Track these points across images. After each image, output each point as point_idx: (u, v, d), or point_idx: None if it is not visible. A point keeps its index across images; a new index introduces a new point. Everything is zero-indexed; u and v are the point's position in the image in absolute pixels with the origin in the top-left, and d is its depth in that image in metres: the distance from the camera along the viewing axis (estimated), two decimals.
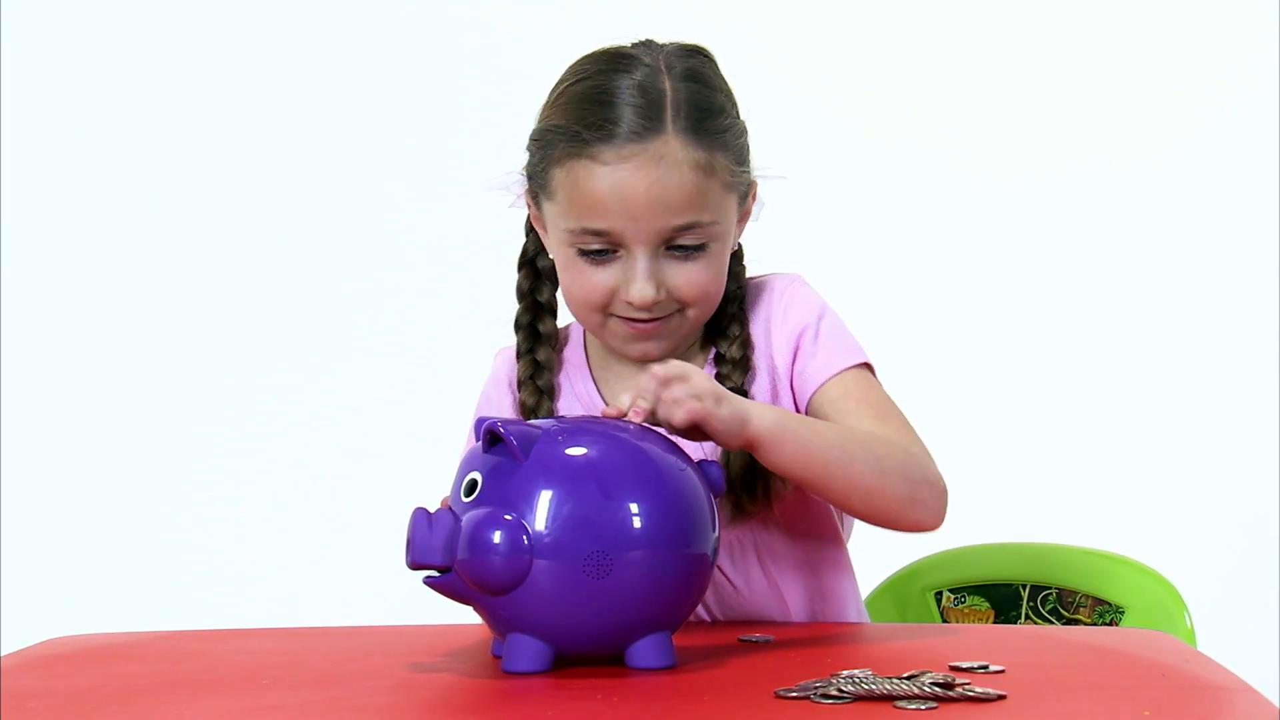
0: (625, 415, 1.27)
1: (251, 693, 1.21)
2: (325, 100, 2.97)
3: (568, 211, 1.44)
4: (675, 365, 1.30)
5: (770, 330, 1.52)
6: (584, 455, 1.22)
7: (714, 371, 1.51)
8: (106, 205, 2.98)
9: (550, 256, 1.53)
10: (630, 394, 1.29)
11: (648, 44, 1.49)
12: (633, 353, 1.49)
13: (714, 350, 1.52)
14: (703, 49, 1.50)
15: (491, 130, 2.88)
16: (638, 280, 1.43)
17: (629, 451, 1.23)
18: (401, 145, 2.95)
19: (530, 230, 1.56)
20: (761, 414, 1.34)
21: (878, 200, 2.86)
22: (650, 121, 1.42)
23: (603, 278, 1.44)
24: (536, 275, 1.56)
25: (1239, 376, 2.84)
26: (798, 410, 1.49)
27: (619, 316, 1.46)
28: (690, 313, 1.47)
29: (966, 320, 2.87)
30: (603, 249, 1.44)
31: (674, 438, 1.28)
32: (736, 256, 1.55)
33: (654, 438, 1.26)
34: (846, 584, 1.56)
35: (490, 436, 1.23)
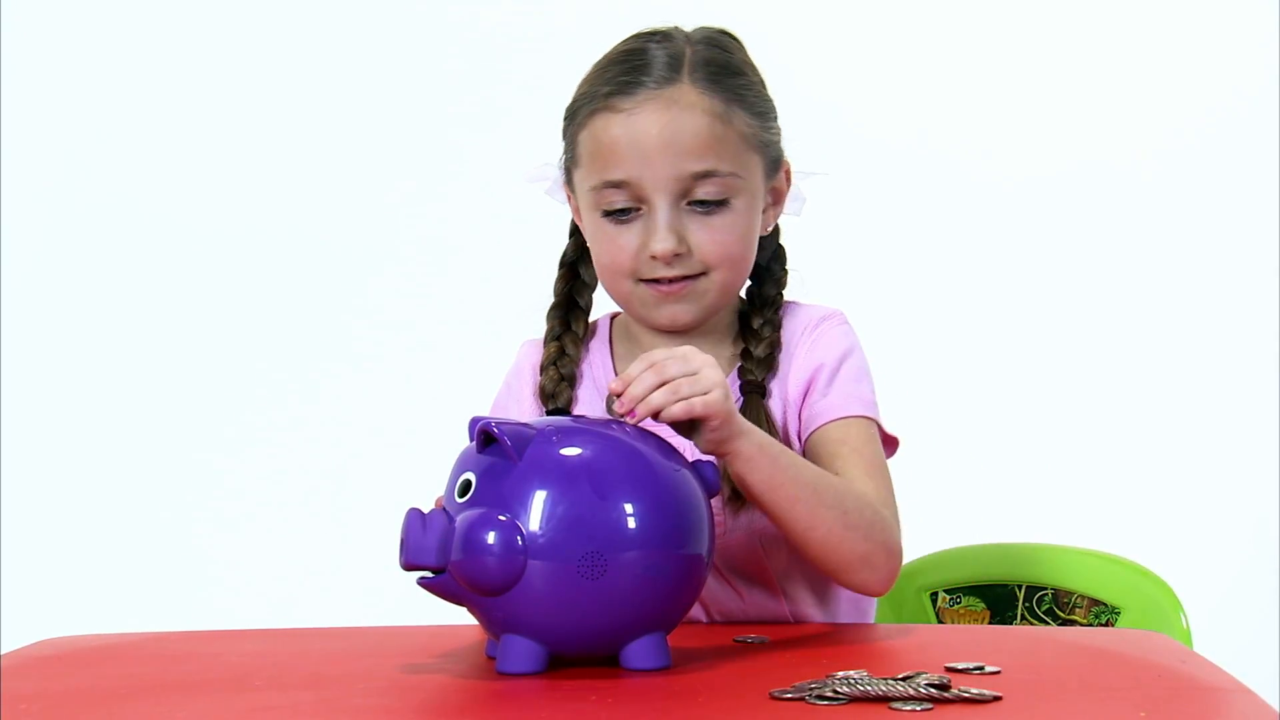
0: (630, 386, 1.26)
1: (244, 694, 1.20)
2: (325, 100, 2.97)
3: (589, 170, 1.47)
4: (693, 352, 1.29)
5: (796, 351, 1.52)
6: (578, 456, 1.21)
7: (739, 368, 1.51)
8: (103, 207, 2.97)
9: (590, 262, 1.54)
10: (641, 363, 1.28)
11: (677, 28, 1.52)
12: (660, 318, 1.49)
13: (743, 348, 1.53)
14: (729, 31, 1.53)
15: (492, 131, 2.90)
16: (659, 230, 1.44)
17: (623, 452, 1.23)
18: (400, 147, 2.95)
19: (573, 232, 1.57)
20: (752, 431, 1.33)
21: (877, 201, 2.86)
22: (667, 73, 1.45)
23: (627, 239, 1.46)
24: (575, 278, 1.57)
25: (1236, 378, 2.84)
26: (797, 443, 1.50)
27: (646, 281, 1.47)
28: (715, 275, 1.47)
29: (963, 321, 2.87)
30: (625, 207, 1.45)
31: (670, 439, 1.28)
32: (779, 258, 1.56)
33: (649, 438, 1.26)
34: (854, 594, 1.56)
35: (484, 437, 1.23)
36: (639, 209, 1.45)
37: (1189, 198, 2.86)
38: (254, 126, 2.96)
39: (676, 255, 1.44)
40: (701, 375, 1.27)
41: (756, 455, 1.32)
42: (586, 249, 1.55)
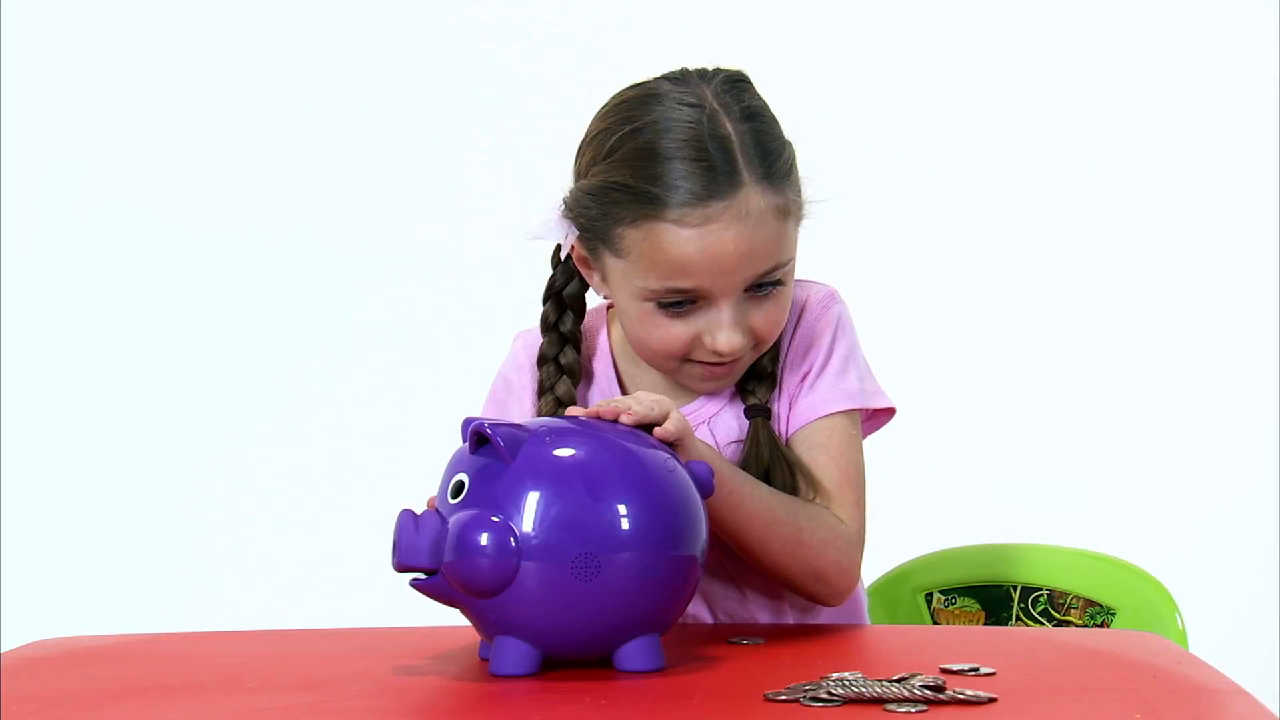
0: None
1: (236, 696, 1.20)
2: (320, 102, 2.97)
3: (648, 272, 1.41)
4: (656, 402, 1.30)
5: (795, 335, 1.52)
6: (572, 456, 1.21)
7: (741, 386, 1.51)
8: (102, 209, 2.97)
9: (577, 285, 1.53)
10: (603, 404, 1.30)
11: (686, 78, 1.45)
12: (704, 389, 1.50)
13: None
14: (743, 75, 1.48)
15: (488, 136, 2.90)
16: (724, 330, 1.42)
17: (617, 453, 1.23)
18: (395, 151, 2.95)
19: (558, 264, 1.54)
20: (710, 455, 1.36)
21: (877, 204, 2.85)
22: (729, 175, 1.39)
23: (683, 329, 1.43)
24: (563, 308, 1.54)
25: (1232, 379, 2.84)
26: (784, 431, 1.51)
27: (696, 361, 1.46)
28: (762, 346, 1.47)
29: (959, 321, 2.87)
30: (683, 300, 1.42)
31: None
32: None
33: (643, 439, 1.26)
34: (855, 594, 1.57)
35: (477, 437, 1.22)
36: (696, 302, 1.43)
37: (1187, 200, 2.86)
38: (249, 130, 2.96)
39: (741, 347, 1.44)
40: (660, 400, 1.30)
41: (718, 478, 1.33)
42: (572, 275, 1.52)
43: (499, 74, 2.91)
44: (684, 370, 1.47)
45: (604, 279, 1.48)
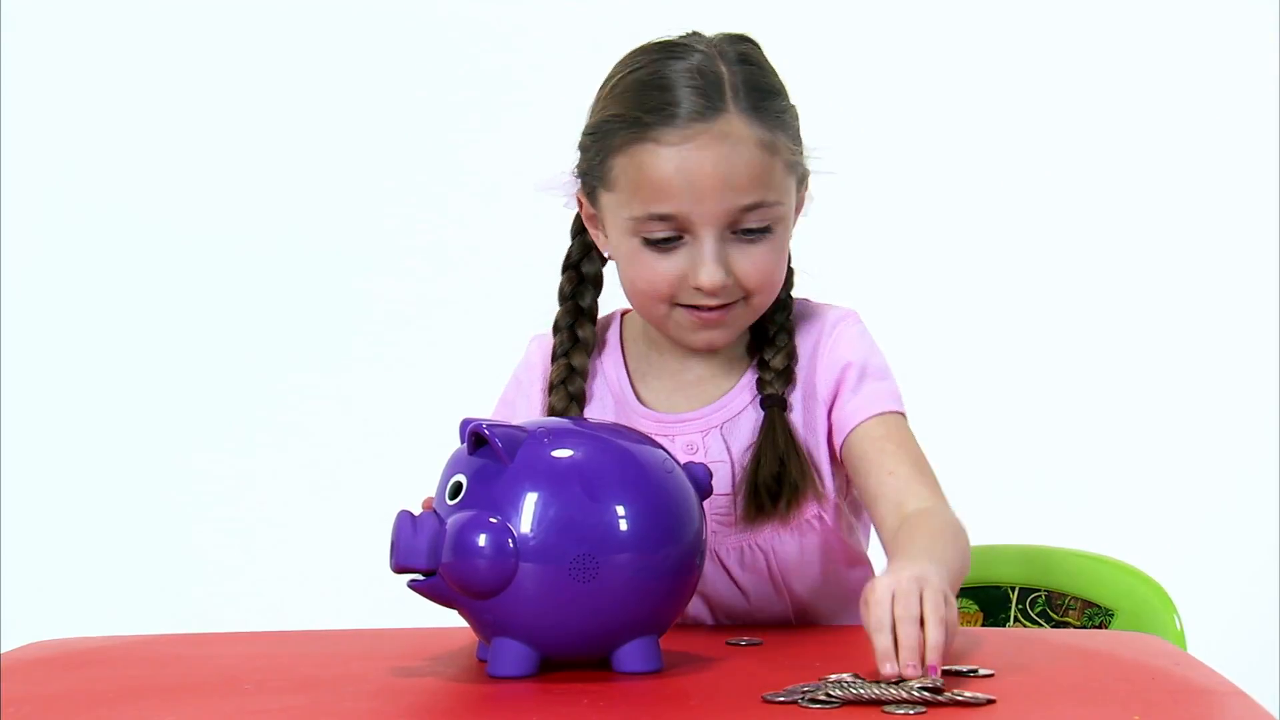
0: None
1: (233, 697, 1.20)
2: (322, 100, 2.97)
3: (632, 198, 1.43)
4: (912, 599, 1.19)
5: (817, 354, 1.52)
6: (569, 457, 1.21)
7: (755, 377, 1.51)
8: (102, 210, 2.97)
9: (595, 261, 1.53)
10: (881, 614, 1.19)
11: (696, 34, 1.48)
12: (697, 342, 1.48)
13: (758, 357, 1.52)
14: (750, 37, 1.50)
15: (494, 132, 2.90)
16: (707, 264, 1.42)
17: (614, 454, 1.23)
18: (399, 149, 2.95)
19: (576, 234, 1.55)
20: (938, 570, 1.26)
21: (876, 201, 2.85)
22: (711, 101, 1.41)
23: (669, 266, 1.43)
24: (580, 280, 1.55)
25: (1231, 380, 2.84)
26: (831, 443, 1.50)
27: (684, 306, 1.45)
28: (754, 300, 1.46)
29: (957, 322, 2.87)
30: (669, 236, 1.43)
31: (684, 440, 1.27)
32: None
33: (641, 439, 1.25)
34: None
35: (475, 438, 1.22)
36: (681, 237, 1.43)
37: (1187, 201, 2.86)
38: (250, 130, 2.96)
39: (724, 286, 1.43)
40: (943, 596, 1.20)
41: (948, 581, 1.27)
42: (589, 249, 1.54)
43: (498, 74, 2.92)
44: (674, 320, 1.46)
45: (603, 228, 1.49)
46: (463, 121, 2.93)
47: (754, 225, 1.43)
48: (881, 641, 1.16)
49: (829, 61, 2.85)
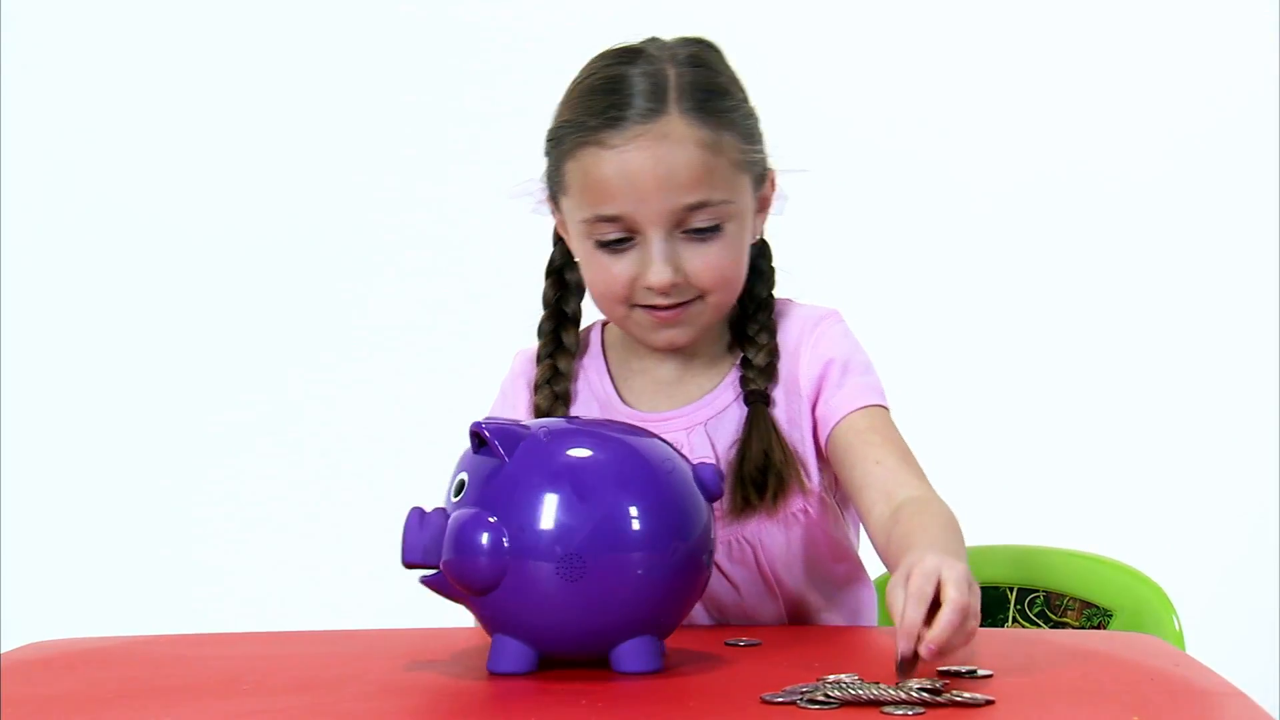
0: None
1: (233, 698, 1.20)
2: (322, 103, 2.97)
3: (581, 201, 1.45)
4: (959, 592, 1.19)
5: (799, 352, 1.53)
6: (566, 456, 1.21)
7: (738, 375, 1.52)
8: (102, 210, 2.97)
9: (577, 267, 1.54)
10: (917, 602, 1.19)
11: (654, 40, 1.50)
12: (658, 342, 1.49)
13: (741, 355, 1.53)
14: (707, 40, 1.51)
15: (490, 139, 2.90)
16: (655, 263, 1.43)
17: (615, 452, 1.23)
18: (398, 152, 2.95)
19: (558, 240, 1.57)
20: (953, 549, 1.30)
21: (875, 202, 2.86)
22: (654, 104, 1.43)
23: (622, 268, 1.45)
24: (563, 286, 1.57)
25: (1229, 380, 2.84)
26: (816, 438, 1.51)
27: (642, 306, 1.47)
28: (711, 299, 1.47)
29: (955, 322, 2.87)
30: (619, 237, 1.44)
31: (668, 438, 1.28)
32: (765, 254, 1.56)
33: (645, 437, 1.25)
34: (862, 596, 1.57)
35: (478, 438, 1.22)
36: (632, 239, 1.45)
37: (1186, 202, 2.86)
38: (251, 130, 2.96)
39: (673, 285, 1.44)
40: (971, 586, 1.21)
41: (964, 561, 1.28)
42: (572, 255, 1.55)
43: (499, 74, 2.92)
44: (634, 320, 1.48)
45: (567, 232, 1.51)
46: (464, 127, 2.93)
47: (702, 224, 1.44)
48: (908, 614, 1.17)
49: (814, 62, 2.86)
